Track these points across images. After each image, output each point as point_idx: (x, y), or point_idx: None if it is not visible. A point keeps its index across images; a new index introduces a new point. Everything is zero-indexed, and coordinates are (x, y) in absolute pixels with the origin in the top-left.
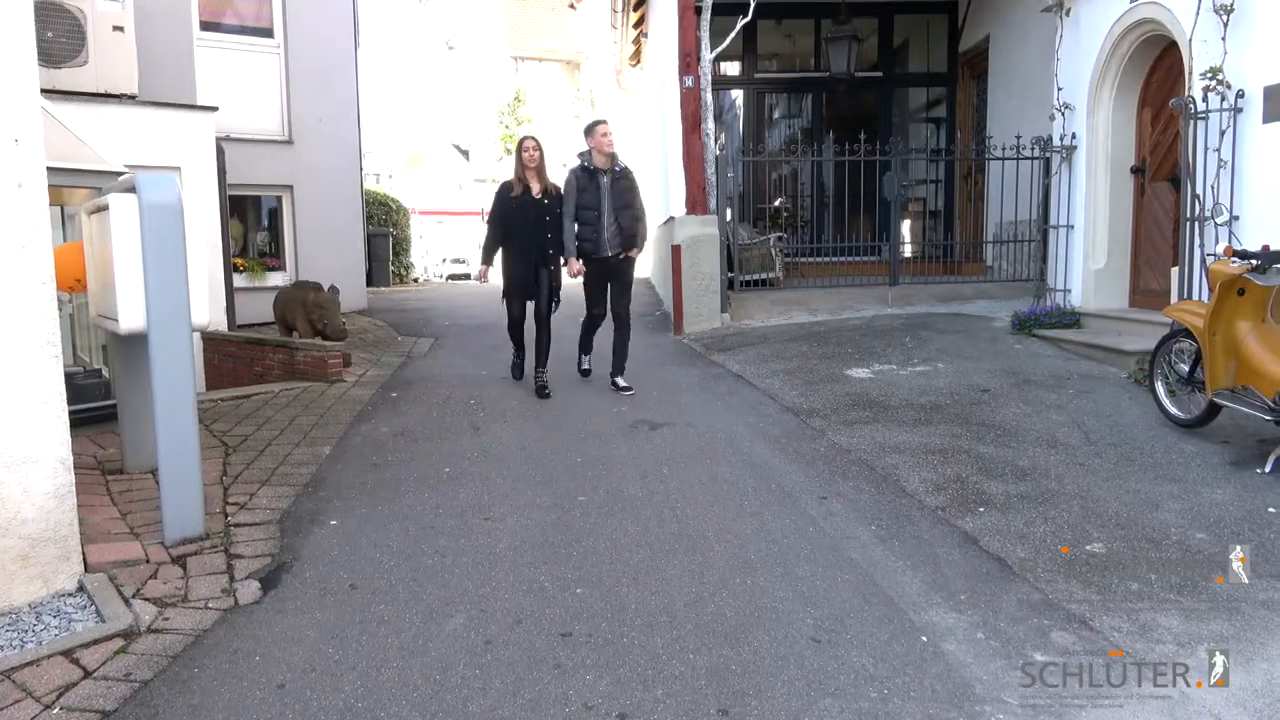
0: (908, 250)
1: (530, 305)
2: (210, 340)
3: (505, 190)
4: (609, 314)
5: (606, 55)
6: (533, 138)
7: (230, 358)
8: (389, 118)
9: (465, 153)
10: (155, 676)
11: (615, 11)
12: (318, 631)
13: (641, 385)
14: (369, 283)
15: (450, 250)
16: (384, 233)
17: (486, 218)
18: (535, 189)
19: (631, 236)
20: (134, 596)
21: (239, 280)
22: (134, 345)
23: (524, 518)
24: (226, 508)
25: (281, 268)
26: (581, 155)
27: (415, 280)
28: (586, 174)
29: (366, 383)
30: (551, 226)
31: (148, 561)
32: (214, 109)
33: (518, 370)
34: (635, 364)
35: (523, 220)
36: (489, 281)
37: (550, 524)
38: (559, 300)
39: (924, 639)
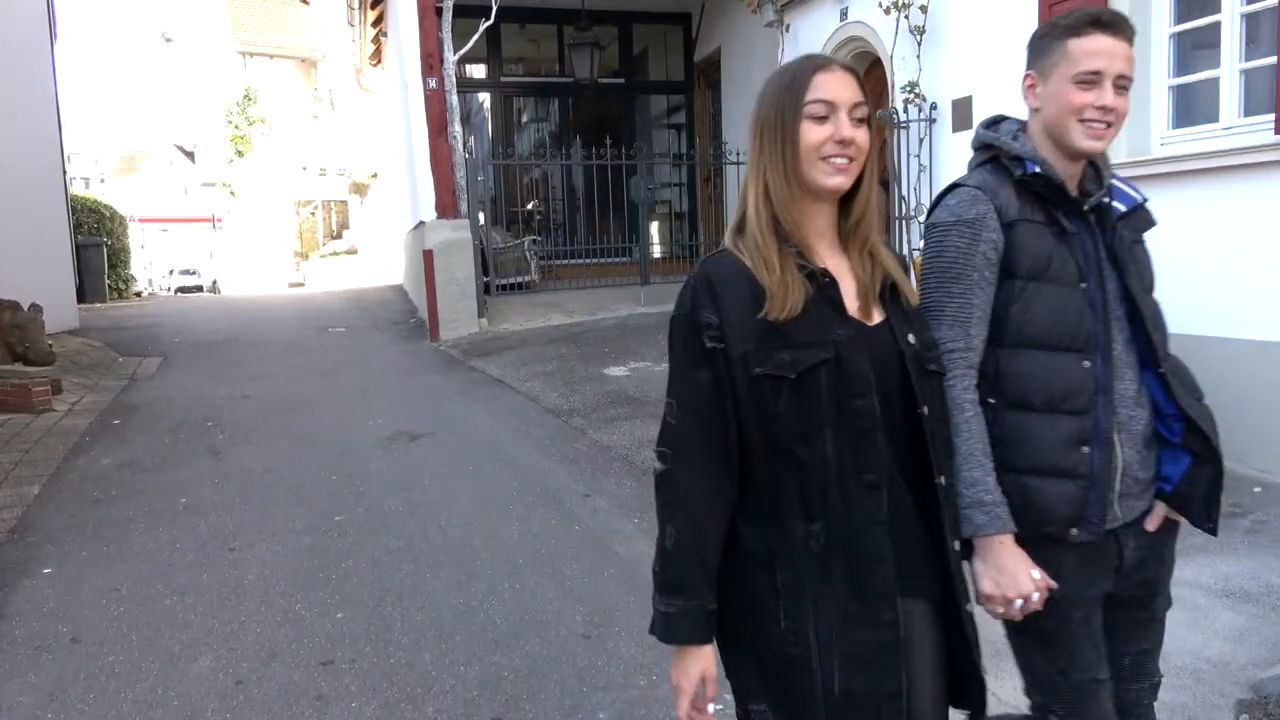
0: (657, 251)
1: None
2: None
3: (725, 295)
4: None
5: (345, 54)
6: (847, 69)
7: None
8: (98, 116)
9: (190, 154)
10: None
11: (352, 9)
12: (33, 696)
13: (399, 395)
14: (81, 299)
15: (179, 261)
16: (97, 243)
17: (671, 414)
18: (850, 289)
19: (1210, 432)
20: None
21: None
22: None
23: (275, 544)
24: None
25: None
26: (993, 132)
27: (138, 294)
28: (1035, 210)
29: (82, 411)
30: (937, 424)
31: None
32: None
33: None
34: (390, 374)
35: (831, 418)
36: (706, 690)
37: (304, 548)
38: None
39: None
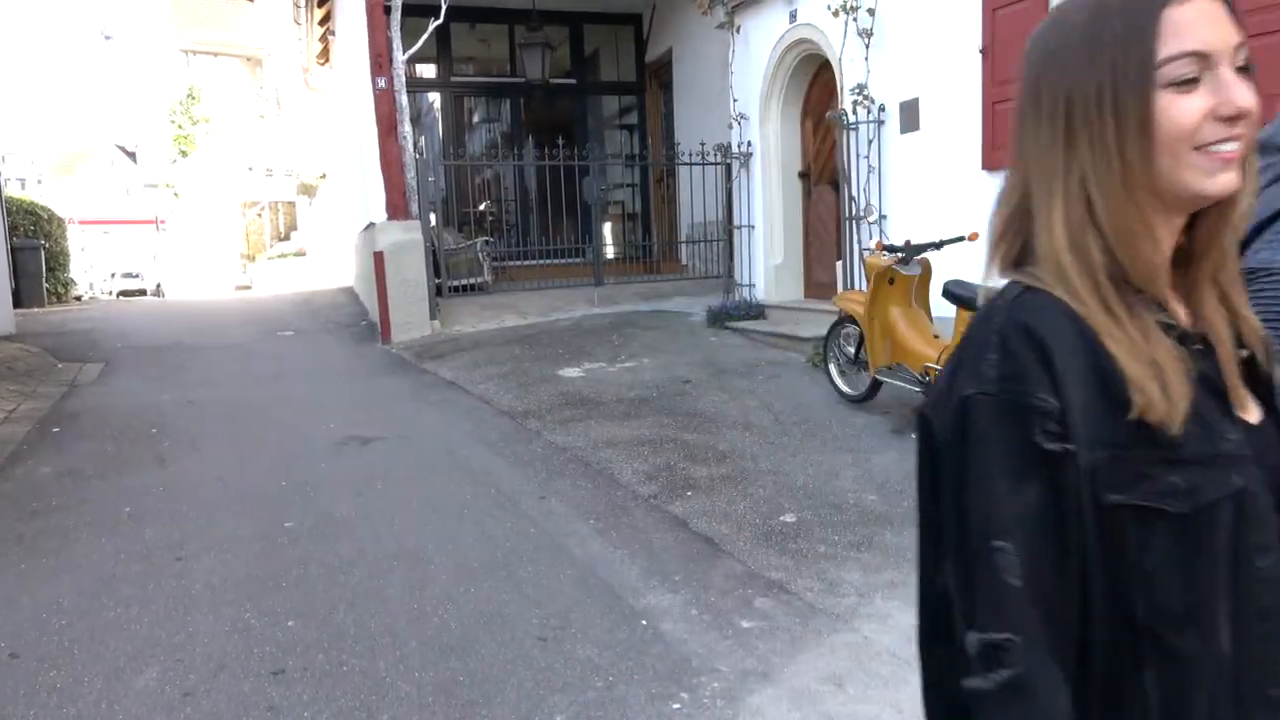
0: (610, 252)
1: None
2: None
3: (1065, 363)
4: None
5: (292, 53)
6: None
7: None
8: (35, 115)
9: (132, 154)
10: None
11: (298, 7)
12: None
13: (351, 398)
14: (17, 304)
15: (121, 264)
16: (33, 245)
17: (1007, 567)
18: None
19: None
20: None
21: None
22: None
23: (223, 552)
24: None
25: None
26: None
27: (78, 298)
28: None
29: (19, 419)
30: None
31: None
32: None
33: None
34: (341, 378)
35: (1227, 587)
36: None
37: (254, 556)
38: None
39: (644, 622)
